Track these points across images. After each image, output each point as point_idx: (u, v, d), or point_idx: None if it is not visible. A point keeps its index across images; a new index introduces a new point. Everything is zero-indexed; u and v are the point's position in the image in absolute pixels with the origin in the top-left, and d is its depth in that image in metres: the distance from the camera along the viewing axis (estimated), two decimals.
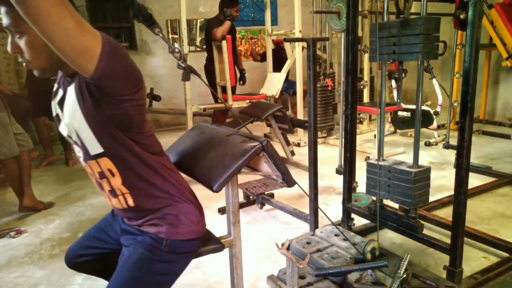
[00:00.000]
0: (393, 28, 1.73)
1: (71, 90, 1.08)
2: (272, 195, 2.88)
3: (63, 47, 0.89)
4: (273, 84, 4.54)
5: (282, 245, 1.46)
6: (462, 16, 2.27)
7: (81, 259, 1.39)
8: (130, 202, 1.19)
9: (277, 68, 4.95)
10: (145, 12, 1.06)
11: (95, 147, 1.10)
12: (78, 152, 1.18)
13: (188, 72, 1.09)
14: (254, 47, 5.81)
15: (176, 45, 1.11)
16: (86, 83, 1.02)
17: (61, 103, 1.14)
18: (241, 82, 4.80)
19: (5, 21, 1.00)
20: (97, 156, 1.12)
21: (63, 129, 1.16)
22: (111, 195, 1.20)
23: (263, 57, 5.58)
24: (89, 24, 0.93)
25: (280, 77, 4.51)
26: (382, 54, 1.81)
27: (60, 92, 1.16)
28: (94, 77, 0.95)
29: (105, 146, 1.10)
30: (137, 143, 1.13)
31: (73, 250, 1.41)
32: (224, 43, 4.06)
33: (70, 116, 1.09)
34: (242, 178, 3.08)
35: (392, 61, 1.80)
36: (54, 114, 1.20)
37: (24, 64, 1.08)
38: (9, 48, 1.05)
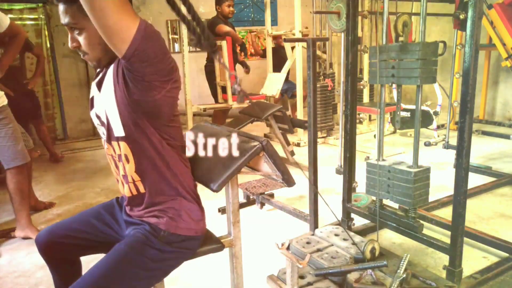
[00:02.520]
0: (392, 51, 1.75)
1: (110, 72, 1.16)
2: (272, 195, 2.88)
3: (101, 25, 0.97)
4: (273, 84, 4.55)
5: (282, 245, 1.46)
6: (461, 16, 2.28)
7: (68, 241, 1.31)
8: (141, 189, 1.23)
9: (278, 67, 4.95)
10: (213, 40, 1.05)
11: (119, 130, 1.17)
12: (103, 133, 1.24)
13: (243, 95, 1.13)
14: (254, 40, 5.80)
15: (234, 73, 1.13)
16: (122, 66, 1.09)
17: (99, 83, 1.22)
18: (246, 70, 4.84)
19: (65, 19, 1.12)
20: (119, 139, 1.18)
21: (94, 111, 1.24)
22: (124, 180, 1.24)
23: (264, 53, 5.60)
24: (132, 10, 1.00)
25: (280, 77, 4.52)
26: (381, 77, 1.82)
27: (101, 74, 1.24)
28: (125, 57, 1.02)
29: (126, 131, 1.16)
30: (160, 134, 1.19)
31: (58, 231, 1.33)
32: (224, 43, 4.06)
33: (104, 96, 1.17)
34: (242, 178, 3.08)
35: (391, 84, 1.81)
36: (90, 96, 1.29)
37: (82, 56, 1.19)
38: (69, 43, 1.17)
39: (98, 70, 1.28)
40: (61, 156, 4.44)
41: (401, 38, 1.75)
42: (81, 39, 1.14)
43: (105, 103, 1.17)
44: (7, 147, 2.39)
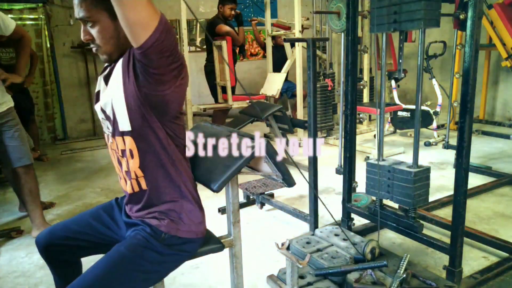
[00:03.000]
0: None
1: (118, 66, 1.17)
2: (272, 195, 2.88)
3: (129, 13, 0.98)
4: (273, 84, 4.55)
5: (282, 245, 1.46)
6: (461, 16, 2.28)
7: (67, 243, 1.31)
8: (143, 186, 1.23)
9: (278, 67, 4.95)
10: None
11: (125, 124, 1.17)
12: (108, 128, 1.25)
13: None
14: (255, 28, 5.76)
15: None
16: (133, 59, 1.10)
17: (107, 77, 1.23)
18: (241, 55, 4.89)
19: (80, 12, 1.13)
20: (124, 133, 1.18)
21: (99, 104, 1.24)
22: (126, 176, 1.24)
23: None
24: (153, 2, 1.03)
25: (280, 77, 4.52)
26: (382, 24, 1.79)
27: (108, 69, 1.25)
28: (144, 45, 1.02)
29: (134, 125, 1.16)
30: (166, 130, 1.19)
31: (57, 232, 1.33)
32: (224, 43, 4.07)
33: (112, 89, 1.17)
34: (242, 178, 3.08)
35: (393, 30, 1.76)
36: (96, 90, 1.29)
37: (94, 49, 1.20)
38: (82, 36, 1.18)
39: (106, 64, 1.28)
40: (47, 158, 4.48)
41: None
42: (94, 32, 1.15)
43: (112, 96, 1.17)
44: (15, 147, 2.45)
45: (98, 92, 1.28)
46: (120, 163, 1.25)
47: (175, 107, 1.18)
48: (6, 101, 2.42)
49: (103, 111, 1.22)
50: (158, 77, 1.08)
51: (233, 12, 4.36)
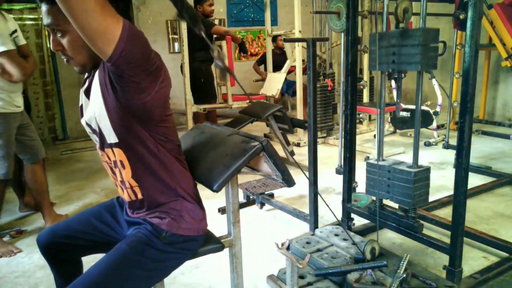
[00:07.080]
0: (392, 38, 1.74)
1: (96, 77, 1.12)
2: (272, 195, 2.88)
3: (83, 27, 0.91)
4: (273, 84, 4.55)
5: (282, 245, 1.46)
6: (461, 16, 2.28)
7: (69, 241, 1.32)
8: (139, 195, 1.22)
9: (277, 68, 4.96)
10: (191, 12, 1.04)
11: (111, 137, 1.14)
12: (96, 141, 1.22)
13: (225, 71, 1.09)
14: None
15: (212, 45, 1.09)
16: (108, 70, 1.05)
17: (87, 91, 1.19)
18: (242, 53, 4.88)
19: (47, 20, 1.07)
20: (112, 145, 1.16)
21: (84, 118, 1.21)
22: (122, 185, 1.23)
23: (262, 60, 5.62)
24: (113, 9, 0.95)
25: (280, 77, 4.52)
26: (381, 64, 1.82)
27: (87, 81, 1.21)
28: (112, 59, 0.96)
29: (120, 137, 1.13)
30: (153, 136, 1.16)
31: (59, 231, 1.34)
32: (224, 43, 4.07)
33: (93, 103, 1.13)
34: (242, 178, 3.08)
35: (392, 71, 1.80)
36: (80, 103, 1.25)
37: (65, 60, 1.14)
38: (51, 46, 1.11)
39: (86, 77, 1.24)
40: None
41: (401, 25, 1.73)
42: (64, 42, 1.10)
43: (94, 110, 1.13)
44: (36, 141, 2.62)
45: (82, 106, 1.24)
46: (114, 173, 1.24)
47: (160, 111, 1.14)
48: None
49: (89, 126, 1.19)
50: (135, 85, 1.03)
51: (212, 8, 4.16)
